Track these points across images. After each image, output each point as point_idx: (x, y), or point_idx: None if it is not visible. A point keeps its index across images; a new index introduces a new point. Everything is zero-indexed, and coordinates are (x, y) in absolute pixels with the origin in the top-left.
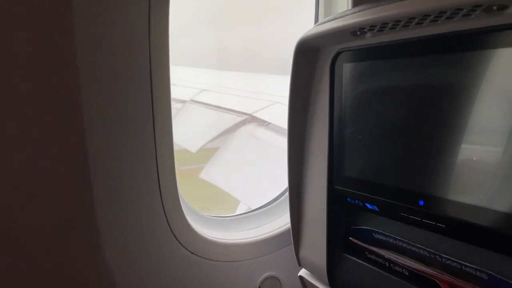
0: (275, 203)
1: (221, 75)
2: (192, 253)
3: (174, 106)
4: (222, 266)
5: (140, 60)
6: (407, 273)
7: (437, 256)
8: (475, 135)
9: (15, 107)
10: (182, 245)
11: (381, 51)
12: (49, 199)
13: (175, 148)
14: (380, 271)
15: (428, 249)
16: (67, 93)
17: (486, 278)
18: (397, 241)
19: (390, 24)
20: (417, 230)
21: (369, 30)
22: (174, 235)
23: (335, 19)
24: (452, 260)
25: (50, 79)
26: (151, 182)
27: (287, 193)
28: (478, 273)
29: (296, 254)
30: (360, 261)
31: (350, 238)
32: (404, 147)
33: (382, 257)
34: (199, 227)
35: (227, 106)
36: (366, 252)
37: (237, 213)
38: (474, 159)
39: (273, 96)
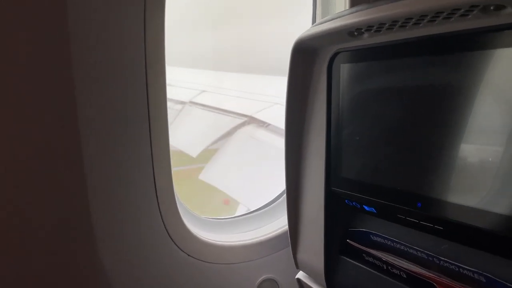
0: (272, 205)
1: (219, 76)
2: (188, 255)
3: (173, 107)
4: (219, 269)
5: (135, 61)
6: (404, 276)
7: (434, 259)
8: (472, 136)
9: (15, 107)
10: (178, 247)
11: (379, 51)
12: (48, 200)
13: (174, 150)
14: (378, 273)
15: (426, 252)
16: (65, 94)
17: (484, 280)
18: (394, 243)
19: (387, 25)
20: (415, 232)
21: (366, 30)
22: (170, 237)
23: (332, 19)
24: (449, 263)
25: (49, 79)
26: (147, 184)
27: (285, 195)
28: (475, 276)
29: (293, 257)
30: (357, 263)
31: (347, 240)
32: (402, 148)
33: (379, 259)
34: (196, 229)
35: (226, 108)
36: (363, 255)
37: (236, 214)
38: (472, 161)
39: (271, 97)
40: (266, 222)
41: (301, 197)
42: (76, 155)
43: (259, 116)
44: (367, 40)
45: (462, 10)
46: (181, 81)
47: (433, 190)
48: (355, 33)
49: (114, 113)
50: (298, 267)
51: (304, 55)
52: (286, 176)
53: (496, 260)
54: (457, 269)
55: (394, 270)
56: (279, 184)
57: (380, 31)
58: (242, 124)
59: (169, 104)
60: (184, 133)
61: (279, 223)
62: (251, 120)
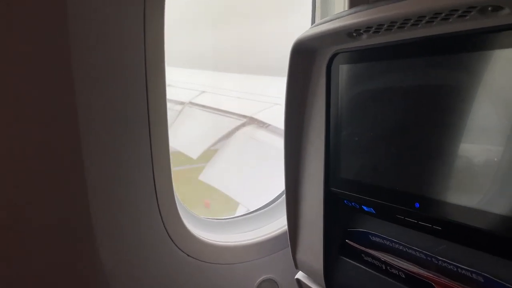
0: (272, 205)
1: (219, 77)
2: (188, 255)
3: (173, 107)
4: (219, 269)
5: (135, 61)
6: (403, 276)
7: (433, 259)
8: (470, 137)
9: (15, 107)
10: (178, 248)
11: (377, 52)
12: (48, 200)
13: (174, 151)
14: (377, 273)
15: (424, 252)
16: (65, 94)
17: (482, 280)
18: (393, 244)
19: (385, 26)
20: (414, 233)
21: (365, 31)
22: (170, 237)
23: (331, 20)
24: (448, 263)
25: (49, 79)
26: (147, 184)
27: (284, 195)
28: (474, 276)
29: (293, 257)
30: (356, 263)
31: (346, 240)
32: (400, 149)
33: (378, 259)
34: (195, 230)
35: (226, 109)
36: (362, 255)
37: (236, 215)
38: (469, 161)
39: (271, 98)
40: (266, 222)
41: (300, 198)
42: (76, 155)
43: (259, 116)
44: (365, 41)
45: (460, 11)
46: (181, 81)
47: (431, 190)
48: (354, 34)
49: (114, 113)
50: (297, 267)
51: (303, 56)
52: (285, 177)
53: (494, 260)
54: (455, 269)
55: (393, 270)
56: (279, 184)
57: (379, 32)
58: (242, 125)
59: (169, 104)
60: (184, 135)
61: (279, 224)
62: (251, 120)
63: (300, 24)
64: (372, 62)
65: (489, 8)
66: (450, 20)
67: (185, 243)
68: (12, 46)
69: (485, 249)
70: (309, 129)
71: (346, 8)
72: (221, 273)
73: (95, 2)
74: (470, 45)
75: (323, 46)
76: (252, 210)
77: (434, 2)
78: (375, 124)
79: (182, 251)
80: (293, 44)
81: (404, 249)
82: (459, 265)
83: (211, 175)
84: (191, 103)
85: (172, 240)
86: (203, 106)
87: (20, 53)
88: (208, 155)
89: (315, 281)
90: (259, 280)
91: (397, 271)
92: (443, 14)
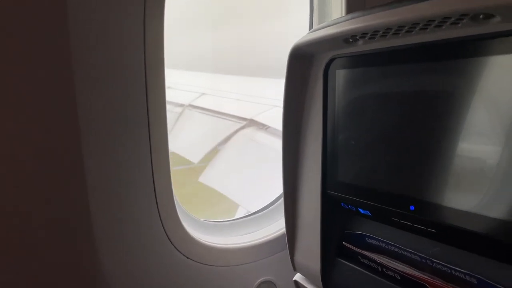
0: (270, 207)
1: (218, 79)
2: (187, 257)
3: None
4: (217, 271)
5: (135, 60)
6: (399, 277)
7: (428, 261)
8: (464, 141)
9: (15, 107)
10: (177, 250)
11: (373, 58)
12: (48, 200)
13: (174, 152)
14: (373, 275)
15: (419, 254)
16: (65, 94)
17: (476, 282)
18: (389, 246)
19: (381, 32)
20: (409, 235)
21: (360, 37)
22: (169, 239)
23: (328, 26)
24: (442, 265)
25: (49, 79)
26: (146, 187)
27: (282, 198)
28: (467, 278)
29: (291, 259)
30: (353, 265)
31: (343, 242)
32: (396, 153)
33: (374, 261)
34: (194, 232)
35: (226, 111)
36: (359, 257)
37: (236, 217)
38: (463, 165)
39: (270, 99)
40: (264, 225)
41: (298, 200)
42: (76, 155)
43: (259, 118)
44: (361, 46)
45: (453, 19)
46: (181, 84)
47: (425, 194)
48: (350, 40)
49: (114, 113)
50: (295, 269)
51: (301, 61)
52: (283, 180)
53: (487, 262)
54: (449, 271)
55: (388, 272)
56: (278, 186)
57: (374, 38)
58: (242, 128)
59: (169, 106)
60: (185, 139)
61: (277, 226)
62: (251, 122)
63: (300, 24)
64: (368, 68)
65: (481, 16)
66: (443, 27)
67: (184, 245)
68: (12, 46)
69: (478, 252)
70: (307, 132)
71: (343, 13)
72: (220, 275)
73: (95, 2)
74: (463, 52)
75: (320, 51)
76: (251, 211)
77: (427, 10)
78: (371, 128)
79: (181, 253)
80: (291, 49)
81: (400, 251)
82: (453, 267)
83: (211, 177)
84: (190, 105)
85: (171, 242)
86: (203, 108)
87: (20, 53)
88: (208, 156)
89: (312, 282)
90: (257, 282)
91: (392, 273)
92: (436, 22)
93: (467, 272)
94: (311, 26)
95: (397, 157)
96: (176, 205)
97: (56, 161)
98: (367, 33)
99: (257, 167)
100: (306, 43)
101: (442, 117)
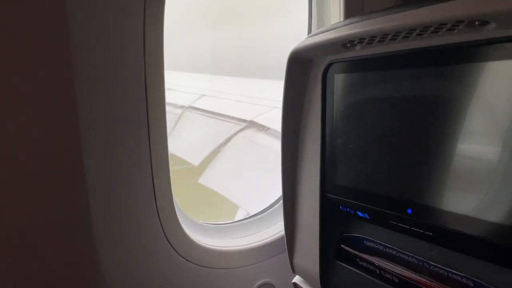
0: (269, 210)
1: (218, 80)
2: (186, 260)
3: (173, 111)
4: (217, 273)
5: (135, 61)
6: (396, 280)
7: (425, 264)
8: (461, 146)
9: (15, 107)
10: (176, 252)
11: (371, 63)
12: (48, 200)
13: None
14: (371, 278)
15: (416, 257)
16: (65, 94)
17: (472, 285)
18: (387, 249)
19: (378, 37)
20: (407, 238)
21: (358, 42)
22: (168, 241)
23: (326, 31)
24: (439, 268)
25: (49, 79)
26: (146, 187)
27: (281, 201)
28: (464, 280)
29: (290, 261)
30: (352, 268)
31: (342, 245)
32: (393, 156)
33: (372, 264)
34: (194, 234)
35: (225, 113)
36: (357, 259)
37: (236, 219)
38: (460, 169)
39: (270, 101)
40: (263, 227)
41: (297, 203)
42: (76, 155)
43: (259, 120)
44: (359, 51)
45: (449, 25)
46: (180, 85)
47: (423, 197)
48: (348, 45)
49: (114, 113)
50: (294, 271)
51: (300, 65)
52: (282, 183)
53: (484, 265)
54: (446, 274)
55: (386, 275)
56: (278, 187)
57: (372, 43)
58: (242, 129)
59: (169, 108)
60: (185, 141)
61: (276, 229)
62: (250, 124)
63: (300, 24)
64: (366, 72)
65: (476, 23)
66: (440, 33)
67: (183, 248)
68: (12, 46)
69: (475, 255)
70: (306, 136)
71: (342, 18)
72: (219, 277)
73: (95, 2)
74: (459, 57)
75: (319, 56)
76: (251, 213)
77: (424, 16)
78: (369, 132)
79: (180, 255)
80: (290, 53)
81: (397, 254)
82: (450, 270)
83: (211, 178)
84: (190, 107)
85: (171, 245)
86: (203, 110)
87: (20, 53)
88: (209, 158)
89: (311, 285)
90: (257, 284)
91: (390, 276)
92: (433, 28)
93: (464, 275)
94: (309, 31)
95: (394, 161)
96: (175, 208)
97: (56, 161)
98: (365, 38)
99: (257, 169)
100: (304, 48)
101: (438, 122)
